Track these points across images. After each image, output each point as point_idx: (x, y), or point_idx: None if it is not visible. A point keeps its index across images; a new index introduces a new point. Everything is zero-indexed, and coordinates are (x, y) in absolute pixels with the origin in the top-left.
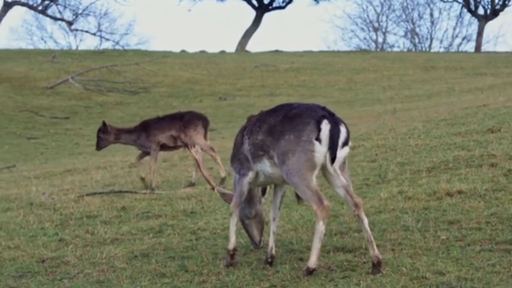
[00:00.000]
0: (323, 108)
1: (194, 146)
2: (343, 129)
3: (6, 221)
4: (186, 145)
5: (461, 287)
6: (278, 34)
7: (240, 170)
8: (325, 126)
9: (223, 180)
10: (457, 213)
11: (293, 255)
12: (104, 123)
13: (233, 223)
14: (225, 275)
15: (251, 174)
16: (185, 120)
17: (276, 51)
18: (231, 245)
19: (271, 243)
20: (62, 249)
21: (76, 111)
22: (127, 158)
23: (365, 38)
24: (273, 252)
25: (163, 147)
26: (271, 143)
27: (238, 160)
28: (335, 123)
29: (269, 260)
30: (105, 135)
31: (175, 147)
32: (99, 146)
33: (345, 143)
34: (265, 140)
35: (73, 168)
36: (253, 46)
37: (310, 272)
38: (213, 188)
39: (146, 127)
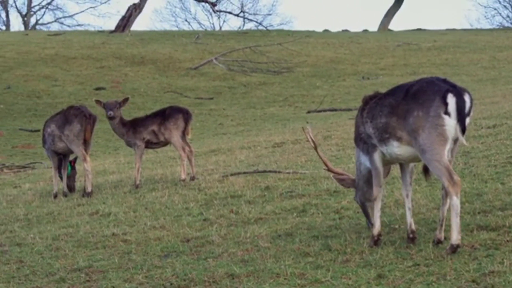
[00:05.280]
0: (444, 80)
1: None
2: (467, 99)
3: (152, 201)
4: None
5: None
6: (420, 12)
7: (367, 149)
8: (451, 99)
9: (182, 180)
10: None
11: None
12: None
13: (377, 208)
14: (369, 254)
15: (378, 150)
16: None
17: (419, 29)
18: (375, 230)
19: (409, 219)
20: (207, 229)
21: (220, 91)
22: (271, 138)
23: (508, 16)
24: (413, 227)
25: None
26: (397, 124)
27: (361, 139)
28: (459, 94)
29: (411, 235)
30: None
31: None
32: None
33: (468, 114)
34: (389, 122)
35: (217, 148)
36: (395, 24)
37: (454, 249)
38: (329, 170)
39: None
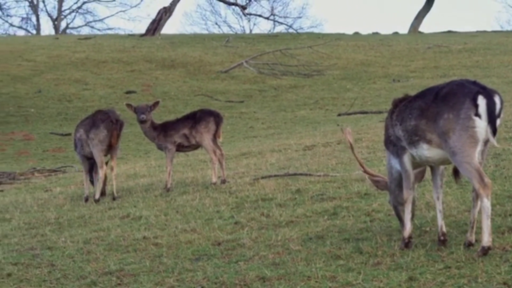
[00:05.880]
0: (474, 82)
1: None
2: (498, 101)
3: (183, 204)
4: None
5: None
6: (450, 14)
7: (397, 152)
8: (482, 101)
9: (213, 183)
10: None
11: None
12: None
13: (408, 210)
14: (400, 257)
15: (408, 153)
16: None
17: (449, 31)
18: (406, 233)
19: (440, 221)
20: (238, 232)
21: (250, 94)
22: (301, 141)
23: None
24: (444, 229)
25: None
26: (426, 126)
27: (391, 142)
28: (490, 96)
29: (441, 238)
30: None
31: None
32: None
33: (498, 115)
34: (418, 124)
35: (248, 152)
36: (425, 27)
37: (485, 251)
38: (365, 171)
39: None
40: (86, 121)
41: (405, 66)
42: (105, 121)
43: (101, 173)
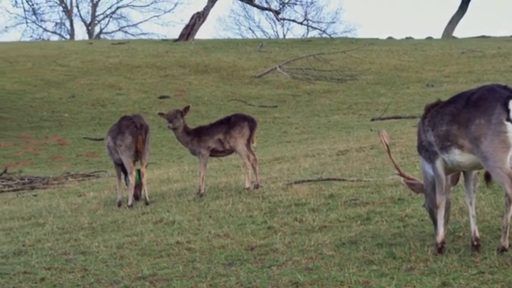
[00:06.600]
0: (505, 87)
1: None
2: None
3: (216, 209)
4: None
5: None
6: (484, 19)
7: (429, 157)
8: None
9: (246, 188)
10: None
11: None
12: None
13: (441, 216)
14: (433, 262)
15: (440, 158)
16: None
17: (483, 36)
18: (439, 238)
19: (473, 226)
20: (271, 237)
21: (284, 99)
22: (335, 146)
23: None
24: (477, 234)
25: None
26: (458, 132)
27: (423, 147)
28: None
29: (475, 243)
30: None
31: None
32: None
33: None
34: (450, 129)
35: (281, 156)
36: (459, 31)
37: None
38: (400, 174)
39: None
40: (113, 127)
41: (439, 71)
42: (129, 127)
43: (131, 179)
